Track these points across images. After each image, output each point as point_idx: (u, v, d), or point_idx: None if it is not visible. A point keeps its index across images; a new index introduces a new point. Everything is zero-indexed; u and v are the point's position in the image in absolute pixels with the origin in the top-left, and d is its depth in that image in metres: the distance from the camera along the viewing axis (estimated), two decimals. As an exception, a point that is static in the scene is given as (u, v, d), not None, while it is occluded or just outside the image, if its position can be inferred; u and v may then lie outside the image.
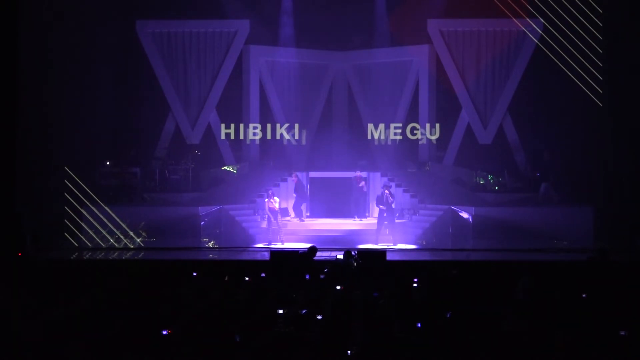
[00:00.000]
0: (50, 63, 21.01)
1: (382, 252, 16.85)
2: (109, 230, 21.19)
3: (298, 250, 16.01)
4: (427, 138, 23.65)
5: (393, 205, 20.86)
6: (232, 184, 23.57)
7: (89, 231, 21.15)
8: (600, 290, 12.06)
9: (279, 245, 20.44)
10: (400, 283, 13.18)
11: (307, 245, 19.74)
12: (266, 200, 21.11)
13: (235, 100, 24.29)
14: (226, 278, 14.23)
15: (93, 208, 21.33)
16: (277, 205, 20.95)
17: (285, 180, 22.96)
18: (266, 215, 21.26)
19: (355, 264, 14.52)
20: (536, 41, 22.70)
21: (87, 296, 12.18)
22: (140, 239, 20.93)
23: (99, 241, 20.92)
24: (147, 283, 13.48)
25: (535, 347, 8.73)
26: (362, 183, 22.17)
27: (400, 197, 22.25)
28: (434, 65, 24.01)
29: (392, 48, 24.35)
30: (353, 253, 14.90)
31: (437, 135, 23.64)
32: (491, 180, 23.06)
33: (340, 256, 15.31)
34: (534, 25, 22.70)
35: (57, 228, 20.92)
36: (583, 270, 13.72)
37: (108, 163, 23.22)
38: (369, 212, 22.47)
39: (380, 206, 20.74)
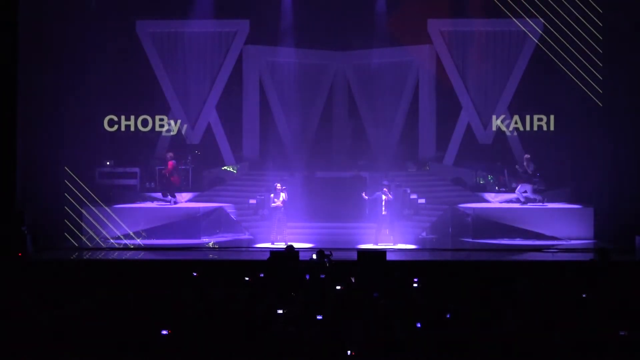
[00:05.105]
0: (51, 63, 21.00)
1: (382, 252, 16.84)
2: (109, 230, 21.22)
3: (298, 251, 15.98)
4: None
5: (384, 200, 20.65)
6: (232, 184, 23.60)
7: (89, 231, 21.18)
8: (601, 290, 12.06)
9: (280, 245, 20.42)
10: (400, 283, 13.18)
11: (308, 246, 19.90)
12: (271, 195, 21.06)
13: (235, 100, 24.29)
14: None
15: (93, 208, 21.34)
16: (281, 199, 20.84)
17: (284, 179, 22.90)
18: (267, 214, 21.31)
19: (328, 263, 14.53)
20: (536, 41, 22.71)
21: (87, 296, 12.18)
22: (140, 239, 20.95)
23: (99, 241, 20.94)
24: (147, 283, 13.47)
25: (535, 347, 8.73)
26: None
27: (401, 197, 22.26)
28: (434, 65, 24.01)
29: (392, 48, 24.33)
30: (327, 252, 14.90)
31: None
32: (491, 180, 23.08)
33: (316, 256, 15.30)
34: (534, 25, 22.70)
35: (57, 228, 20.94)
36: (583, 270, 13.72)
37: (108, 163, 23.22)
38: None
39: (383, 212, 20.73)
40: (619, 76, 20.99)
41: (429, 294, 11.95)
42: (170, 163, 22.39)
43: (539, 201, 21.75)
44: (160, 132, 23.69)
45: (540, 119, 23.06)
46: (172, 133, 23.67)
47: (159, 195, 22.47)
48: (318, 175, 23.52)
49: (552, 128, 22.94)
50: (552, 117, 22.97)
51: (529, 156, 22.10)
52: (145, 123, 23.54)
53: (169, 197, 22.29)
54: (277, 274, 14.02)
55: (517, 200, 22.04)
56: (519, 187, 21.95)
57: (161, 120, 23.65)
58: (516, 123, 23.23)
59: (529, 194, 21.81)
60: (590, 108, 21.67)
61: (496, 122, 23.32)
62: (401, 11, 23.59)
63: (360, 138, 24.76)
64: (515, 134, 23.28)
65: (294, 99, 24.50)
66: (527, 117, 23.17)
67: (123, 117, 23.37)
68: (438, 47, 23.70)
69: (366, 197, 21.12)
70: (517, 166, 22.14)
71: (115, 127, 23.30)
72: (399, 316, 9.98)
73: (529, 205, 21.82)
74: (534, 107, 23.10)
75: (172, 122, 23.67)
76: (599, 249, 15.10)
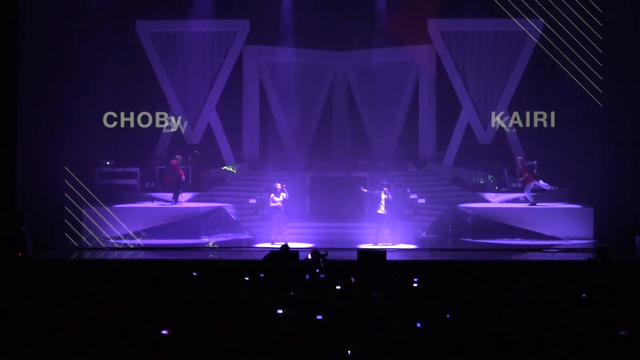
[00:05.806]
0: (51, 63, 21.01)
1: (382, 252, 16.84)
2: (109, 230, 21.22)
3: (298, 251, 16.00)
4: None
5: (383, 199, 20.59)
6: (232, 184, 23.60)
7: (89, 231, 21.19)
8: (601, 290, 12.05)
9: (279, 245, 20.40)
10: (400, 283, 13.17)
11: (308, 245, 19.89)
12: (272, 195, 21.05)
13: (235, 100, 24.29)
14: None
15: (93, 208, 21.34)
16: (281, 199, 20.79)
17: (285, 179, 22.84)
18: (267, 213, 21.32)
19: (323, 264, 14.54)
20: (536, 41, 22.72)
21: (87, 296, 12.18)
22: (140, 239, 20.95)
23: (99, 241, 20.94)
24: (147, 283, 13.46)
25: (535, 348, 8.72)
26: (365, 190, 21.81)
27: (401, 197, 22.27)
28: (434, 65, 24.03)
29: (392, 48, 24.33)
30: (322, 252, 14.91)
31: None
32: (491, 180, 23.08)
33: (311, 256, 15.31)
34: (534, 25, 22.70)
35: (57, 228, 20.94)
36: (583, 270, 13.72)
37: (108, 163, 23.22)
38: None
39: (379, 211, 20.63)
40: (619, 76, 20.98)
41: (429, 294, 11.95)
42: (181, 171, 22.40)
43: (553, 188, 21.67)
44: (161, 129, 23.67)
45: (540, 116, 23.06)
46: (172, 129, 23.67)
47: (170, 196, 22.41)
48: (318, 175, 23.52)
49: (552, 125, 22.94)
50: (552, 113, 22.98)
51: (521, 157, 22.15)
52: (145, 120, 23.52)
53: (180, 199, 22.32)
54: (273, 274, 14.02)
55: (525, 200, 21.99)
56: (526, 187, 21.90)
57: (161, 116, 23.63)
58: (516, 119, 23.23)
59: (540, 185, 21.73)
60: (590, 108, 21.66)
61: (495, 119, 23.31)
62: (401, 11, 23.59)
63: (360, 138, 24.80)
64: (514, 130, 23.28)
65: (294, 99, 24.51)
66: (527, 114, 23.18)
67: (122, 114, 23.33)
68: (438, 47, 23.71)
69: (364, 190, 21.18)
70: (520, 180, 22.12)
71: (115, 123, 23.26)
72: (399, 316, 9.98)
73: (528, 206, 21.81)
74: (534, 106, 23.10)
75: (172, 118, 23.67)
76: (599, 249, 15.10)
